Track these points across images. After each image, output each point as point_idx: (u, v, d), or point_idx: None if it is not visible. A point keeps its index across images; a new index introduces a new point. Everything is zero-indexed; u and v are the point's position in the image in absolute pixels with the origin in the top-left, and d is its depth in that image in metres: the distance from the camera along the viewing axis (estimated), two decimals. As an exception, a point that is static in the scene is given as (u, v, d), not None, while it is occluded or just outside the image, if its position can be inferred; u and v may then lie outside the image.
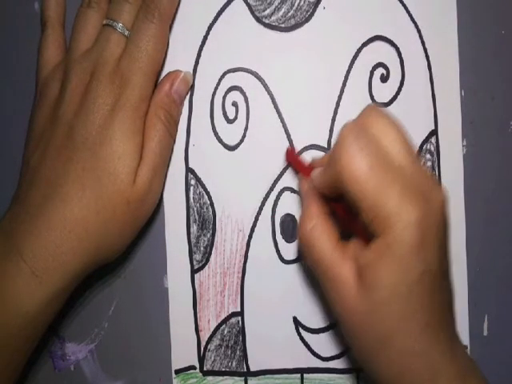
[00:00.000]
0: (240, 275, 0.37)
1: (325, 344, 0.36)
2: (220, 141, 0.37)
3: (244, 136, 0.37)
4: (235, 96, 0.37)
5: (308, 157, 0.36)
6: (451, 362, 0.29)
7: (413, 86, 0.36)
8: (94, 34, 0.35)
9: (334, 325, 0.36)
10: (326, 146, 0.36)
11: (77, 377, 0.38)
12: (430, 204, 0.28)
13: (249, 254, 0.37)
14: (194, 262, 0.37)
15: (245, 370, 0.37)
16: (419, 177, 0.29)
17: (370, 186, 0.28)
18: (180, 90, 0.36)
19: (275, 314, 0.37)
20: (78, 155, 0.33)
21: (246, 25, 0.36)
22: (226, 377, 0.37)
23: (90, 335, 0.38)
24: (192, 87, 0.37)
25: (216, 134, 0.37)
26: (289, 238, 0.37)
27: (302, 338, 0.37)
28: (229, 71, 0.37)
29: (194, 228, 0.37)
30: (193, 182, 0.37)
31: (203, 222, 0.37)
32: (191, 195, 0.37)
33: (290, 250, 0.37)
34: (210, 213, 0.37)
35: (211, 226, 0.37)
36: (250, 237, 0.37)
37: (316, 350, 0.36)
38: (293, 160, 0.36)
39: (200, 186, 0.37)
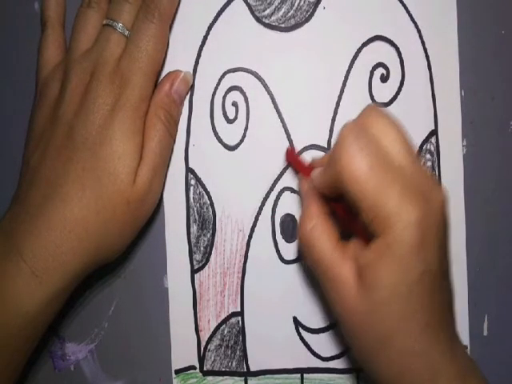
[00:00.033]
0: (240, 275, 0.37)
1: (325, 344, 0.36)
2: (220, 141, 0.37)
3: (244, 136, 0.37)
4: (235, 96, 0.37)
5: (308, 157, 0.36)
6: (451, 362, 0.29)
7: (413, 85, 0.36)
8: (94, 34, 0.35)
9: (334, 325, 0.36)
10: (326, 146, 0.36)
11: (77, 377, 0.38)
12: (430, 204, 0.28)
13: (249, 254, 0.37)
14: (194, 262, 0.37)
15: (245, 369, 0.37)
16: (419, 177, 0.29)
17: (370, 185, 0.28)
18: (180, 90, 0.36)
19: (275, 314, 0.37)
20: (78, 155, 0.33)
21: (246, 25, 0.36)
22: (225, 377, 0.37)
23: (90, 335, 0.38)
24: (192, 87, 0.37)
25: (216, 134, 0.37)
26: (289, 238, 0.37)
27: (302, 338, 0.37)
28: (229, 71, 0.37)
29: (193, 228, 0.37)
30: (193, 182, 0.37)
31: (203, 222, 0.37)
32: (191, 195, 0.37)
33: (290, 250, 0.37)
34: (210, 213, 0.37)
35: (211, 226, 0.37)
36: (250, 237, 0.37)
37: (316, 350, 0.36)
38: (293, 160, 0.36)
39: (200, 186, 0.37)
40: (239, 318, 0.37)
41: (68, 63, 0.35)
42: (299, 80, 0.36)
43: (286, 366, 0.37)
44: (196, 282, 0.37)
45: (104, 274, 0.37)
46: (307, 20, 0.36)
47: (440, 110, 0.36)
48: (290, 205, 0.36)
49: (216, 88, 0.37)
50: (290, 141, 0.36)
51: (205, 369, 0.37)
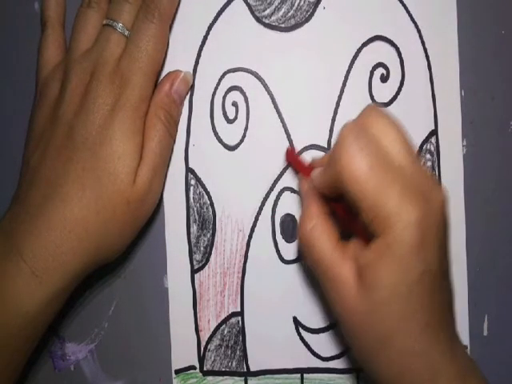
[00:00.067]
0: (240, 275, 0.37)
1: (325, 344, 0.36)
2: (220, 141, 0.37)
3: (244, 136, 0.37)
4: (235, 96, 0.37)
5: (308, 157, 0.36)
6: (451, 362, 0.29)
7: (413, 86, 0.36)
8: (94, 34, 0.35)
9: (334, 325, 0.36)
10: (326, 146, 0.36)
11: (77, 377, 0.38)
12: (430, 204, 0.28)
13: (249, 254, 0.37)
14: (194, 262, 0.37)
15: (245, 370, 0.37)
16: (419, 177, 0.29)
17: (370, 185, 0.28)
18: (180, 89, 0.36)
19: (275, 314, 0.37)
20: (78, 155, 0.33)
21: (246, 25, 0.36)
22: (225, 377, 0.37)
23: (90, 335, 0.38)
24: (192, 87, 0.37)
25: (216, 134, 0.37)
26: (289, 238, 0.37)
27: (302, 338, 0.37)
28: (229, 71, 0.37)
29: (194, 228, 0.37)
30: (193, 182, 0.37)
31: (203, 222, 0.37)
32: (191, 195, 0.37)
33: (290, 250, 0.37)
34: (210, 213, 0.37)
35: (211, 226, 0.37)
36: (250, 237, 0.37)
37: (316, 350, 0.36)
38: (293, 160, 0.36)
39: (200, 186, 0.37)
40: (239, 318, 0.37)
41: (68, 63, 0.35)
42: (299, 80, 0.36)
43: (286, 365, 0.37)
44: (196, 282, 0.37)
45: (104, 274, 0.37)
46: (307, 20, 0.36)
47: (440, 110, 0.36)
48: (289, 205, 0.36)
49: (216, 88, 0.37)
50: (290, 141, 0.36)
51: (205, 369, 0.37)
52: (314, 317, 0.36)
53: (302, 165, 0.35)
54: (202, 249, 0.37)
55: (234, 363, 0.37)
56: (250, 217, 0.37)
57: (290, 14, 0.36)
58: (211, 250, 0.37)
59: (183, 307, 0.37)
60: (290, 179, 0.36)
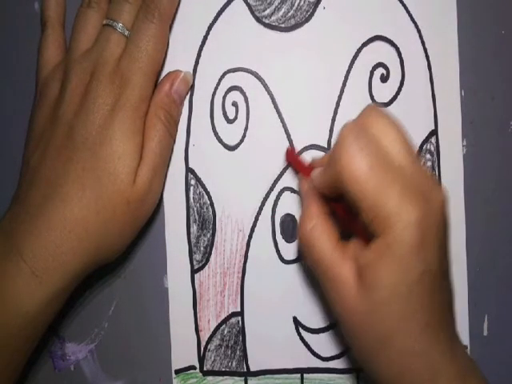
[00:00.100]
0: (240, 275, 0.37)
1: (325, 344, 0.36)
2: (220, 141, 0.37)
3: (244, 136, 0.37)
4: (235, 96, 0.37)
5: (308, 157, 0.36)
6: (451, 361, 0.29)
7: (413, 86, 0.36)
8: (94, 34, 0.35)
9: (334, 325, 0.36)
10: (326, 146, 0.36)
11: (77, 377, 0.38)
12: (430, 204, 0.28)
13: (249, 254, 0.37)
14: (194, 262, 0.37)
15: (245, 370, 0.37)
16: (419, 177, 0.29)
17: (370, 185, 0.28)
18: (180, 90, 0.36)
19: (275, 314, 0.37)
20: (78, 155, 0.33)
21: (246, 25, 0.36)
22: (225, 377, 0.37)
23: (90, 335, 0.38)
24: (192, 87, 0.37)
25: (216, 134, 0.37)
26: (289, 238, 0.37)
27: (302, 338, 0.37)
28: (229, 71, 0.37)
29: (194, 228, 0.37)
30: (193, 182, 0.37)
31: (203, 222, 0.37)
32: (191, 195, 0.37)
33: (290, 250, 0.37)
34: (210, 213, 0.37)
35: (211, 226, 0.37)
36: (250, 237, 0.37)
37: (316, 350, 0.36)
38: (293, 160, 0.36)
39: (200, 186, 0.37)
40: (239, 318, 0.37)
41: (68, 63, 0.35)
42: (299, 80, 0.36)
43: (286, 365, 0.37)
44: (196, 282, 0.37)
45: (104, 274, 0.37)
46: (307, 20, 0.36)
47: (440, 110, 0.36)
48: (290, 205, 0.36)
49: (216, 88, 0.37)
50: (290, 141, 0.36)
51: (205, 369, 0.37)
52: (314, 317, 0.36)
53: (301, 165, 0.35)
54: (201, 249, 0.37)
55: (233, 363, 0.37)
56: (250, 217, 0.37)
57: (289, 14, 0.36)
58: (211, 250, 0.37)
59: (183, 307, 0.37)
60: (289, 179, 0.36)
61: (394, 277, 0.28)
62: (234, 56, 0.36)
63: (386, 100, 0.36)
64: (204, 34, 0.36)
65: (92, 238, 0.32)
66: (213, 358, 0.37)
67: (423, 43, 0.36)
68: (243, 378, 0.37)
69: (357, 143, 0.28)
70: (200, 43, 0.37)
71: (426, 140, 0.36)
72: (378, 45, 0.36)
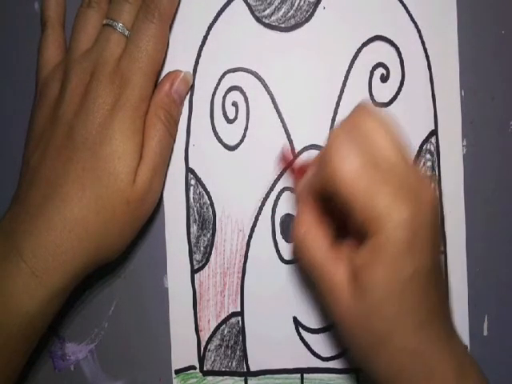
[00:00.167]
0: (240, 275, 0.37)
1: (325, 344, 0.36)
2: (220, 141, 0.37)
3: (244, 136, 0.37)
4: (235, 96, 0.37)
5: (308, 157, 0.36)
6: (449, 359, 0.29)
7: (413, 86, 0.36)
8: (94, 34, 0.35)
9: (334, 325, 0.36)
10: (325, 146, 0.36)
11: (77, 377, 0.38)
12: (421, 202, 0.28)
13: (249, 254, 0.37)
14: (194, 262, 0.37)
15: (245, 369, 0.37)
16: (410, 175, 0.29)
17: (361, 186, 0.28)
18: (180, 89, 0.36)
19: (275, 314, 0.37)
20: (78, 155, 0.33)
21: (246, 25, 0.36)
22: (225, 377, 0.37)
23: (90, 335, 0.38)
24: (192, 87, 0.37)
25: (216, 133, 0.37)
26: (289, 238, 0.37)
27: (302, 338, 0.37)
28: (229, 71, 0.37)
29: (193, 228, 0.37)
30: (193, 182, 0.37)
31: (203, 222, 0.37)
32: (191, 195, 0.37)
33: (290, 250, 0.36)
34: (210, 213, 0.37)
35: (211, 226, 0.37)
36: (250, 237, 0.37)
37: (316, 350, 0.36)
38: (287, 162, 0.36)
39: (200, 186, 0.37)
40: (239, 318, 0.37)
41: (68, 63, 0.35)
42: (299, 80, 0.36)
43: (286, 365, 0.37)
44: (196, 282, 0.37)
45: (104, 273, 0.37)
46: (307, 20, 0.36)
47: (440, 110, 0.36)
48: (290, 205, 0.36)
49: (216, 88, 0.37)
50: (290, 141, 0.36)
51: (205, 369, 0.37)
52: (313, 317, 0.36)
53: (295, 167, 0.35)
54: (202, 249, 0.37)
55: (233, 363, 0.37)
56: (250, 217, 0.37)
57: (290, 14, 0.36)
58: (211, 250, 0.37)
59: (183, 307, 0.37)
60: (289, 179, 0.36)
61: (387, 276, 0.28)
62: (234, 56, 0.36)
63: (386, 100, 0.36)
64: (204, 34, 0.36)
65: (92, 238, 0.32)
66: (213, 358, 0.37)
67: (423, 43, 0.36)
68: (243, 378, 0.37)
69: (347, 144, 0.28)
70: (200, 43, 0.37)
71: (426, 140, 0.36)
72: (378, 45, 0.36)
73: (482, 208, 0.36)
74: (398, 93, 0.36)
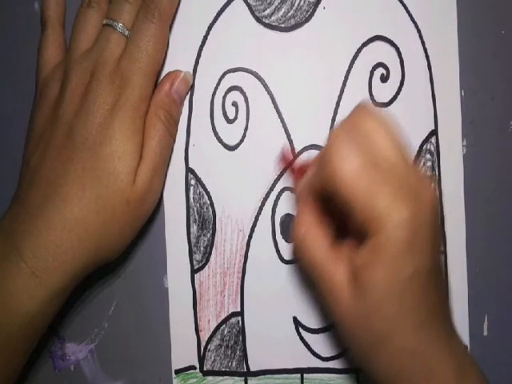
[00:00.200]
0: (240, 275, 0.37)
1: (325, 344, 0.36)
2: (220, 141, 0.37)
3: (244, 136, 0.37)
4: (235, 96, 0.37)
5: (308, 157, 0.36)
6: (449, 359, 0.29)
7: (413, 86, 0.36)
8: (94, 34, 0.35)
9: (334, 325, 0.36)
10: (325, 146, 0.36)
11: (77, 377, 0.38)
12: (421, 202, 0.28)
13: (249, 254, 0.37)
14: (194, 262, 0.37)
15: (245, 370, 0.37)
16: (410, 175, 0.29)
17: (361, 186, 0.28)
18: (180, 89, 0.36)
19: (275, 314, 0.37)
20: (78, 155, 0.33)
21: (246, 25, 0.36)
22: (225, 377, 0.37)
23: (90, 335, 0.38)
24: (192, 87, 0.37)
25: (216, 134, 0.37)
26: (289, 238, 0.37)
27: (302, 338, 0.37)
28: (229, 71, 0.37)
29: (194, 228, 0.37)
30: (193, 182, 0.37)
31: (203, 222, 0.37)
32: (191, 195, 0.37)
33: (290, 250, 0.36)
34: (210, 213, 0.37)
35: (211, 226, 0.37)
36: (250, 237, 0.37)
37: (316, 350, 0.36)
38: (287, 162, 0.36)
39: (200, 186, 0.37)
40: (239, 318, 0.37)
41: (68, 63, 0.35)
42: (299, 80, 0.36)
43: (286, 365, 0.37)
44: (196, 282, 0.37)
45: (104, 273, 0.37)
46: (307, 20, 0.36)
47: (440, 110, 0.36)
48: (290, 205, 0.36)
49: (216, 88, 0.37)
50: (290, 141, 0.36)
51: (205, 369, 0.37)
52: (313, 317, 0.36)
53: (296, 167, 0.35)
54: (202, 249, 0.37)
55: (234, 363, 0.37)
56: (250, 217, 0.37)
57: (290, 14, 0.36)
58: (211, 250, 0.37)
59: (183, 307, 0.37)
60: (289, 179, 0.36)
61: (387, 276, 0.28)
62: (234, 56, 0.36)
63: (386, 100, 0.36)
64: (204, 34, 0.36)
65: (92, 238, 0.32)
66: (213, 358, 0.37)
67: (423, 43, 0.36)
68: (243, 378, 0.37)
69: (347, 144, 0.28)
70: (200, 43, 0.37)
71: (426, 140, 0.36)
72: (378, 45, 0.36)
73: (482, 208, 0.36)
74: (398, 93, 0.36)
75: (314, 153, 0.36)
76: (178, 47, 0.36)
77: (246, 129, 0.37)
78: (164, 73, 0.36)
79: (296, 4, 0.36)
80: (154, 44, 0.34)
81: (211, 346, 0.37)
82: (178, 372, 0.37)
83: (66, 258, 0.32)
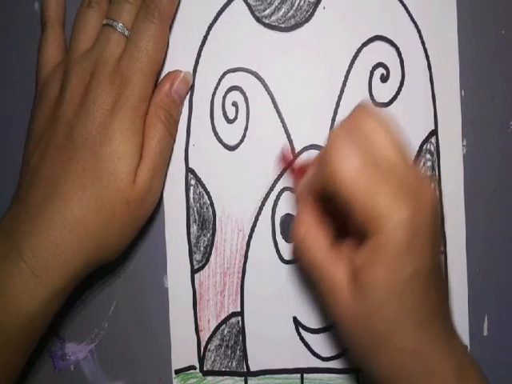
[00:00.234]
0: (240, 275, 0.37)
1: (325, 344, 0.36)
2: (220, 141, 0.37)
3: (244, 136, 0.37)
4: (235, 96, 0.37)
5: (308, 157, 0.36)
6: (449, 359, 0.29)
7: (413, 86, 0.36)
8: (94, 34, 0.35)
9: (334, 325, 0.36)
10: (325, 146, 0.36)
11: (77, 377, 0.38)
12: (421, 202, 0.28)
13: (249, 254, 0.37)
14: (194, 262, 0.37)
15: (245, 369, 0.37)
16: (410, 175, 0.29)
17: (361, 186, 0.28)
18: (180, 89, 0.36)
19: (275, 314, 0.37)
20: (78, 155, 0.33)
21: (246, 25, 0.36)
22: (225, 377, 0.37)
23: (90, 335, 0.38)
24: (192, 87, 0.37)
25: (216, 134, 0.37)
26: (289, 238, 0.37)
27: (302, 338, 0.37)
28: (229, 71, 0.37)
29: (193, 228, 0.37)
30: (193, 182, 0.37)
31: (203, 222, 0.37)
32: (191, 195, 0.37)
33: (290, 250, 0.36)
34: (210, 213, 0.37)
35: (211, 226, 0.37)
36: (250, 237, 0.37)
37: (316, 350, 0.36)
38: (287, 162, 0.36)
39: (200, 186, 0.37)
40: (239, 318, 0.37)
41: (68, 63, 0.35)
42: (299, 80, 0.36)
43: (286, 365, 0.37)
44: (196, 282, 0.37)
45: (104, 273, 0.37)
46: (307, 20, 0.36)
47: (440, 110, 0.36)
48: (290, 205, 0.36)
49: (216, 88, 0.37)
50: (290, 141, 0.36)
51: (205, 369, 0.37)
52: (313, 317, 0.36)
53: (296, 167, 0.35)
54: (202, 249, 0.37)
55: (234, 363, 0.37)
56: (250, 217, 0.37)
57: (290, 14, 0.36)
58: (211, 250, 0.37)
59: (183, 307, 0.37)
60: (290, 179, 0.36)
61: (387, 276, 0.28)
62: (234, 56, 0.36)
63: (386, 100, 0.36)
64: (204, 34, 0.36)
65: (92, 238, 0.32)
66: (213, 358, 0.37)
67: (423, 43, 0.36)
68: (243, 378, 0.37)
69: (347, 144, 0.28)
70: (200, 43, 0.37)
71: (426, 140, 0.36)
72: (378, 45, 0.36)
73: (482, 208, 0.36)
74: (398, 93, 0.36)
75: (314, 153, 0.36)
76: (178, 47, 0.36)
77: (246, 129, 0.37)
78: (164, 73, 0.36)
79: (296, 4, 0.36)
80: (154, 44, 0.34)
81: (211, 346, 0.37)
82: (177, 372, 0.37)
83: (66, 258, 0.32)
